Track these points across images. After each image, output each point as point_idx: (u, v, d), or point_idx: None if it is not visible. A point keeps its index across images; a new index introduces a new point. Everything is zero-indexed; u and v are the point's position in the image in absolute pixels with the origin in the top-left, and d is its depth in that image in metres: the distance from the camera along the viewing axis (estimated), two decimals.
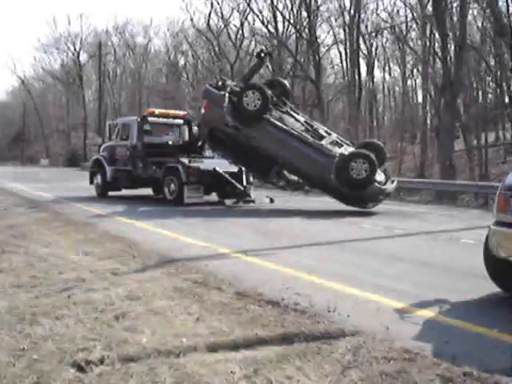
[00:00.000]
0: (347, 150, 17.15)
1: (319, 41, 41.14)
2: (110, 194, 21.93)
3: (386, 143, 43.82)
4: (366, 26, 40.09)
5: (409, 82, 45.96)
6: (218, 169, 18.80)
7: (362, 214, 16.46)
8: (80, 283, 7.08)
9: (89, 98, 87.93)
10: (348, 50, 39.52)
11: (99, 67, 62.74)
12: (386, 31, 40.71)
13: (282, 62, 43.95)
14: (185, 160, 18.73)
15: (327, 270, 8.10)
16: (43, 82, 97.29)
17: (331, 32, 42.78)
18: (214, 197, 20.34)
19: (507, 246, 6.10)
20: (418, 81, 44.60)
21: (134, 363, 4.46)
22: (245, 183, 19.17)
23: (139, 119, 20.96)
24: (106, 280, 7.26)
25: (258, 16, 44.42)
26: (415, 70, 43.73)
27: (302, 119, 18.73)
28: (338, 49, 43.58)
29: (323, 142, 17.04)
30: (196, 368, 4.35)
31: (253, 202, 18.98)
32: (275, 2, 42.87)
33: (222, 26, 50.19)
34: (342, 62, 43.97)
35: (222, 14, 48.98)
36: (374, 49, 43.45)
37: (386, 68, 49.04)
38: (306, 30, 40.23)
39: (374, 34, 40.96)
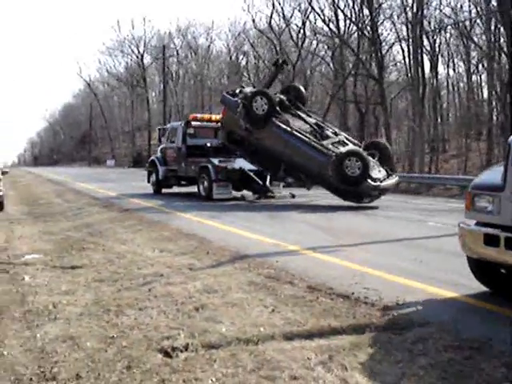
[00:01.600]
0: (347, 149, 18.39)
1: (381, 38, 40.83)
2: (164, 191, 24.20)
3: (451, 140, 43.40)
4: (429, 22, 39.49)
5: (474, 77, 45.06)
6: (243, 168, 20.61)
7: (428, 212, 16.67)
8: (159, 278, 7.55)
9: (152, 100, 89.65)
10: (411, 47, 39.09)
11: (163, 70, 63.84)
12: (449, 27, 40.12)
13: (344, 60, 43.90)
14: (215, 160, 20.58)
15: (394, 266, 8.34)
16: (108, 85, 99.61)
17: (393, 29, 42.36)
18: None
19: (468, 243, 6.26)
20: (484, 76, 43.73)
21: (216, 350, 4.84)
22: (268, 180, 20.93)
23: (183, 124, 23.09)
24: (183, 275, 7.70)
25: (319, 15, 44.42)
26: (480, 66, 42.91)
27: (313, 121, 20.25)
28: (401, 46, 43.08)
29: (324, 142, 18.54)
30: (274, 354, 4.70)
31: (273, 197, 20.70)
32: (336, 1, 42.85)
33: (284, 26, 50.39)
34: (404, 59, 43.44)
35: (283, 13, 49.18)
36: (437, 45, 42.79)
37: (450, 64, 48.24)
38: (368, 28, 40.00)
39: (437, 31, 40.41)
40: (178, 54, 79.62)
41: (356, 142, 20.37)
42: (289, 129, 18.71)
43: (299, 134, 18.56)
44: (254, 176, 20.55)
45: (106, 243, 10.66)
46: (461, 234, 6.36)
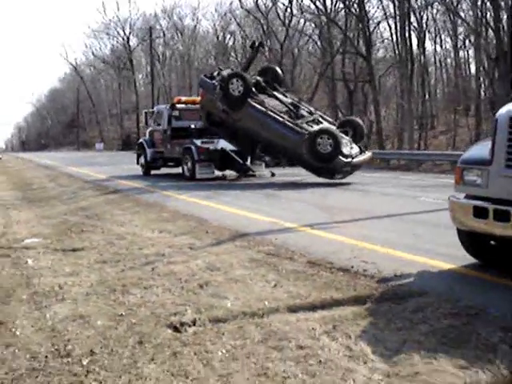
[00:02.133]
0: (319, 127, 18.99)
1: (369, 16, 40.84)
2: (153, 172, 25.10)
3: (439, 116, 43.65)
4: None
5: (461, 53, 45.35)
6: (225, 148, 21.29)
7: (419, 188, 16.95)
8: (160, 257, 7.71)
9: (139, 82, 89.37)
10: (398, 24, 39.14)
11: (150, 52, 63.70)
12: (436, 2, 40.12)
13: (332, 38, 43.88)
14: (197, 141, 21.43)
15: (389, 240, 8.55)
16: (94, 68, 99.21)
17: (380, 6, 42.40)
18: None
19: (458, 215, 6.48)
20: (471, 52, 43.94)
21: (224, 324, 5.02)
22: (249, 160, 21.82)
23: (168, 107, 24.01)
24: (185, 254, 7.87)
25: None
26: (467, 41, 43.08)
27: (289, 101, 20.95)
28: (388, 23, 43.13)
29: (299, 121, 19.16)
30: (280, 326, 4.89)
31: (254, 176, 21.64)
32: None
33: (271, 5, 50.29)
34: (392, 36, 43.51)
35: None
36: (424, 21, 42.85)
37: (438, 40, 48.44)
38: (355, 6, 40.05)
39: (424, 7, 40.41)
40: (164, 35, 79.38)
41: (331, 120, 21.17)
42: (263, 109, 19.27)
43: (273, 114, 19.12)
44: (234, 156, 21.26)
45: (105, 225, 10.78)
46: (451, 207, 6.56)
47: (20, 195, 17.82)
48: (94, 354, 4.46)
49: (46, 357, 4.43)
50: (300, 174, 20.93)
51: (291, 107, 20.35)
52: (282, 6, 50.26)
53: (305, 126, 19.03)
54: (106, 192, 17.53)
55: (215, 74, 21.97)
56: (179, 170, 23.21)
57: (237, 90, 19.58)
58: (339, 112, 44.01)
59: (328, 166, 18.17)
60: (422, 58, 42.62)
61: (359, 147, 19.45)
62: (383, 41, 46.57)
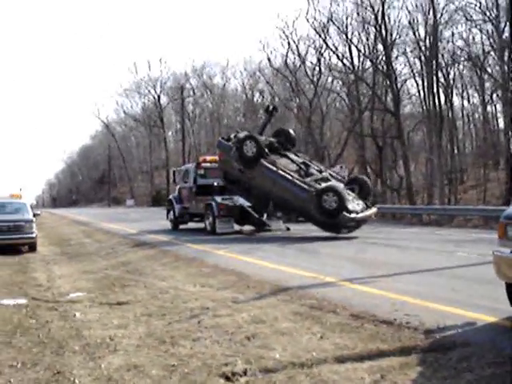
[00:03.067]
0: (325, 185, 20.04)
1: (396, 72, 41.38)
2: (181, 226, 26.30)
3: (469, 170, 43.59)
4: (442, 55, 40.02)
5: (489, 108, 45.50)
6: (243, 204, 22.61)
7: (453, 243, 17.03)
8: (205, 311, 7.95)
9: (169, 139, 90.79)
10: (425, 81, 39.61)
11: (181, 110, 65.08)
12: (462, 58, 40.58)
13: (360, 95, 44.45)
14: (218, 198, 22.72)
15: (430, 294, 8.69)
16: (125, 126, 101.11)
17: (407, 63, 42.90)
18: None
19: (503, 269, 6.63)
20: (499, 106, 44.11)
21: (274, 373, 5.23)
22: (265, 215, 22.74)
23: (194, 166, 25.71)
24: (229, 307, 8.10)
25: (333, 51, 45.10)
26: (495, 96, 43.29)
27: (300, 160, 22.45)
28: (415, 79, 43.59)
29: (307, 179, 20.42)
30: (329, 375, 5.10)
31: (269, 230, 22.75)
32: (350, 37, 43.58)
33: (299, 64, 51.12)
34: (419, 92, 43.80)
35: (298, 51, 49.79)
36: (451, 77, 43.23)
37: (465, 95, 48.72)
38: (383, 63, 40.64)
39: (450, 63, 40.87)
40: (194, 93, 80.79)
41: (340, 178, 22.15)
42: (275, 168, 20.59)
43: (284, 173, 20.40)
44: (252, 212, 22.52)
45: (147, 280, 11.08)
46: (495, 261, 6.75)
47: (59, 251, 18.29)
48: None
49: None
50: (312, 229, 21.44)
51: (302, 166, 21.75)
52: (310, 64, 51.12)
53: (313, 183, 20.10)
54: (143, 247, 17.89)
55: (232, 136, 23.63)
56: (201, 224, 24.26)
57: (250, 151, 21.13)
58: (368, 167, 44.25)
59: (334, 222, 19.09)
60: (450, 113, 42.86)
61: (365, 203, 20.32)
62: (411, 97, 46.87)
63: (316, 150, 45.43)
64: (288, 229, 22.70)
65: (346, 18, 42.90)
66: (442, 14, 37.52)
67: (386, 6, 39.05)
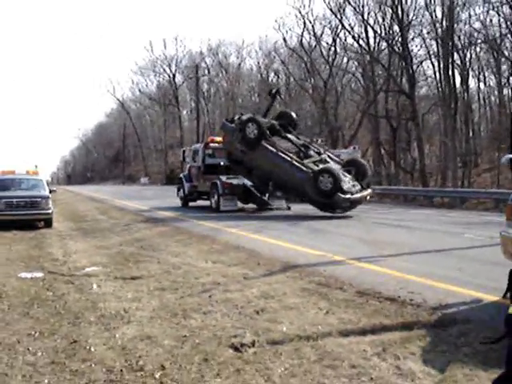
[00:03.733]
0: (322, 167, 20.92)
1: (412, 54, 41.21)
2: (190, 204, 27.34)
3: (483, 154, 43.48)
4: (459, 37, 39.78)
5: (505, 91, 45.24)
6: (246, 184, 23.44)
7: (463, 225, 17.22)
8: (216, 286, 8.20)
9: (184, 118, 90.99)
10: (441, 62, 39.43)
11: (197, 89, 65.06)
12: (479, 40, 40.29)
13: (375, 76, 44.35)
14: (223, 177, 23.58)
15: (434, 273, 8.93)
16: (140, 104, 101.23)
17: (423, 45, 42.66)
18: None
19: (510, 249, 6.82)
20: None
21: (281, 345, 5.47)
22: (267, 195, 23.69)
23: (203, 146, 26.92)
24: (239, 283, 8.35)
25: (349, 32, 45.00)
26: (511, 79, 43.03)
27: (300, 142, 23.18)
28: (431, 61, 43.32)
29: (306, 161, 21.21)
30: (333, 348, 5.33)
31: (271, 209, 23.48)
32: (366, 18, 43.41)
33: (314, 44, 51.01)
34: (435, 74, 43.51)
35: (314, 32, 49.67)
36: (467, 59, 42.98)
37: (481, 78, 48.45)
38: (398, 44, 40.49)
39: (467, 45, 40.63)
40: (209, 72, 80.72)
41: (338, 159, 23.01)
42: (275, 150, 21.32)
43: (283, 155, 21.13)
44: (254, 191, 23.40)
45: (160, 256, 11.34)
46: (503, 241, 6.97)
47: (74, 227, 18.55)
48: (165, 368, 4.94)
49: (121, 371, 4.92)
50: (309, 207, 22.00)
51: (301, 148, 22.51)
52: (325, 44, 51.04)
53: (311, 165, 20.92)
54: (156, 224, 18.21)
55: (236, 118, 24.26)
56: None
57: (252, 133, 21.82)
58: (382, 149, 44.27)
59: (329, 201, 19.99)
60: (466, 95, 42.69)
61: (361, 185, 21.04)
62: (426, 78, 46.67)
63: (330, 131, 45.49)
64: (289, 208, 23.59)
65: None
66: None
67: None
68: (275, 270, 9.37)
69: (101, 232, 16.52)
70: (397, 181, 40.65)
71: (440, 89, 40.36)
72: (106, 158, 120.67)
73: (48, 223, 18.21)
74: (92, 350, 5.47)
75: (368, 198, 21.96)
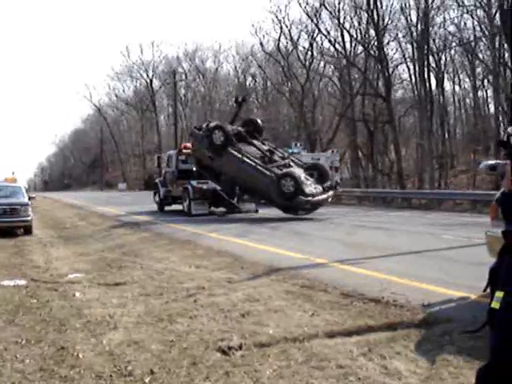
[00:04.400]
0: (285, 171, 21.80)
1: (388, 57, 41.56)
2: (166, 208, 27.77)
3: (459, 155, 43.96)
4: (434, 40, 40.25)
5: (480, 93, 45.80)
6: (216, 188, 24.20)
7: (441, 226, 17.45)
8: (201, 290, 8.25)
9: (162, 123, 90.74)
10: (417, 66, 39.88)
11: (174, 94, 64.94)
12: (454, 43, 40.83)
13: (352, 80, 44.66)
14: (194, 182, 24.44)
15: (416, 274, 9.06)
16: (117, 109, 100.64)
17: (399, 48, 43.11)
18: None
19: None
20: (490, 92, 44.37)
21: (268, 347, 5.54)
22: (235, 199, 24.38)
23: (176, 152, 27.73)
24: (224, 287, 8.41)
25: (325, 36, 45.37)
26: (486, 81, 43.56)
27: (265, 148, 24.06)
28: (407, 64, 43.79)
29: (270, 166, 22.06)
30: (320, 349, 5.41)
31: (240, 212, 24.17)
32: (342, 22, 43.74)
33: (291, 48, 51.21)
34: (410, 77, 44.06)
35: (290, 36, 49.95)
36: (442, 62, 43.50)
37: (456, 80, 49.00)
38: (374, 48, 40.83)
39: (442, 48, 41.13)
40: (186, 77, 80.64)
41: (301, 163, 23.72)
42: (240, 155, 22.16)
43: (248, 160, 22.01)
44: (223, 195, 24.07)
45: (143, 262, 11.36)
46: (488, 241, 7.20)
47: (54, 233, 18.48)
48: (154, 373, 4.97)
49: (111, 376, 4.94)
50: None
51: (266, 153, 23.36)
52: (302, 48, 51.26)
53: (275, 169, 21.78)
54: (138, 231, 18.17)
55: (204, 125, 24.95)
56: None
57: (219, 140, 22.79)
58: (359, 152, 44.56)
59: (291, 204, 20.99)
60: (441, 98, 43.18)
61: (323, 187, 21.80)
62: (402, 82, 47.08)
63: (308, 135, 45.74)
64: (257, 211, 24.57)
65: (339, 3, 43.28)
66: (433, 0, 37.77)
67: None
68: (259, 274, 9.45)
69: (82, 238, 16.49)
70: (375, 183, 40.95)
71: (416, 92, 40.82)
72: (84, 164, 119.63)
73: (28, 230, 18.12)
74: (80, 356, 5.47)
75: (330, 199, 22.66)
